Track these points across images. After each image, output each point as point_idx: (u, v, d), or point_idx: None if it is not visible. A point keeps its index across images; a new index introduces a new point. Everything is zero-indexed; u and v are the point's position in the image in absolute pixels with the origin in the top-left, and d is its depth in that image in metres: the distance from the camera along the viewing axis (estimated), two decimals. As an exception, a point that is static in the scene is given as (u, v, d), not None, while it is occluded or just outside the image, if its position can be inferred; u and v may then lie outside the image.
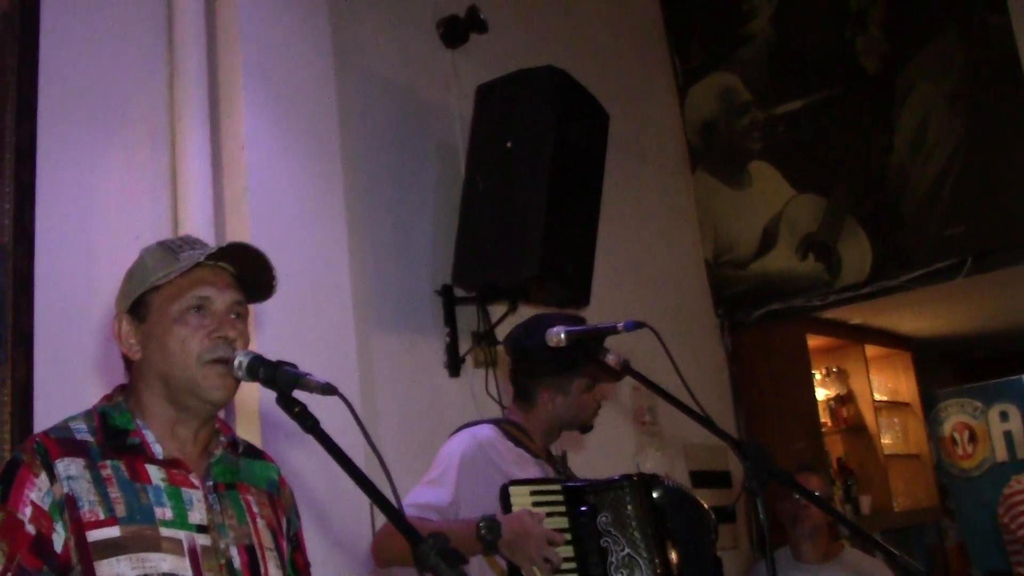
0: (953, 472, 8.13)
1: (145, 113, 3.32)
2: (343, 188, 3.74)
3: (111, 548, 1.77)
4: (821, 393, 6.89)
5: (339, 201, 3.70)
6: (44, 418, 2.56)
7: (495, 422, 3.15)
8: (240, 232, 3.26)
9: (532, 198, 4.13)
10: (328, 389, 1.76)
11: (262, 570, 1.94)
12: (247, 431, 2.99)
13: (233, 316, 1.97)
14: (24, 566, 1.74)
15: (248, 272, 2.02)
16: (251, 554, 1.93)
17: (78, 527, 1.77)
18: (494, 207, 4.22)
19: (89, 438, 1.88)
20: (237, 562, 1.90)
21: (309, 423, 1.77)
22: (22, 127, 2.89)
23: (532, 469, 2.97)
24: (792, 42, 6.43)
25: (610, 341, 2.88)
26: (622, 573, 2.74)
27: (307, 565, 2.17)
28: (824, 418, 6.73)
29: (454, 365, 4.34)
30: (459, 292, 4.41)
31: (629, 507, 2.82)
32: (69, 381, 2.84)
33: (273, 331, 3.11)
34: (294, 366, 1.84)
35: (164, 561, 1.80)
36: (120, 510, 1.80)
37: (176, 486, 1.89)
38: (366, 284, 3.97)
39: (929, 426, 7.89)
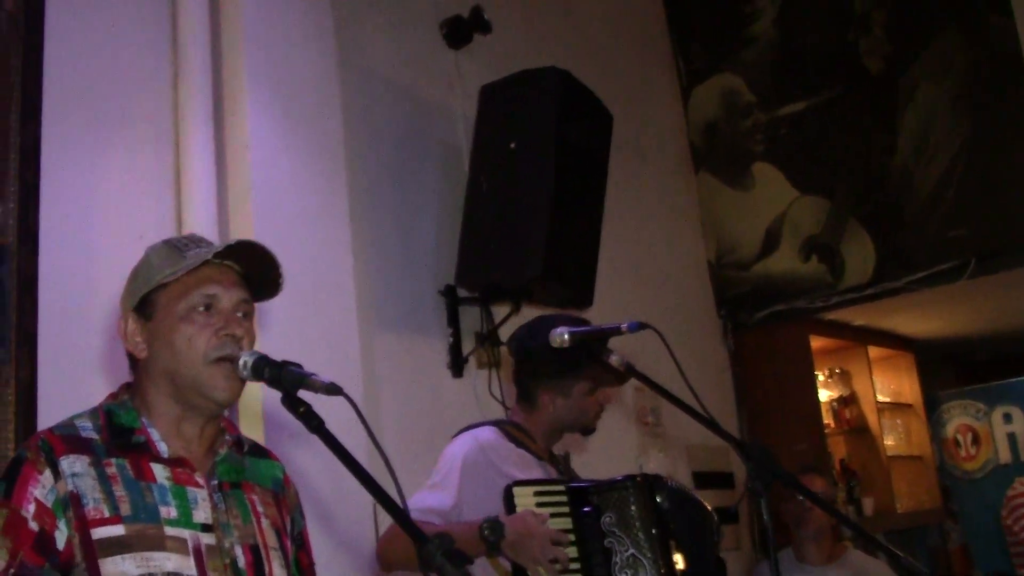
0: (956, 474, 8.12)
1: (149, 113, 3.32)
2: (347, 188, 3.74)
3: (115, 546, 1.77)
4: (824, 394, 6.89)
5: (343, 201, 3.70)
6: (48, 417, 2.56)
7: (497, 423, 3.14)
8: (244, 232, 3.26)
9: (535, 199, 4.13)
10: (333, 389, 1.76)
11: (266, 569, 1.94)
12: (251, 431, 2.98)
13: (240, 315, 1.97)
14: (26, 563, 1.74)
15: (254, 270, 2.02)
16: (255, 553, 1.93)
17: (82, 524, 1.77)
18: (497, 207, 4.22)
19: (94, 436, 1.88)
20: (242, 561, 1.90)
21: (314, 423, 1.77)
22: (26, 127, 2.89)
23: (534, 470, 2.97)
24: (795, 43, 6.43)
25: (613, 342, 2.89)
26: (626, 573, 2.74)
27: (311, 564, 2.17)
28: (827, 419, 6.74)
29: (457, 365, 4.34)
30: (462, 292, 4.41)
31: (633, 508, 2.81)
32: (73, 380, 2.84)
33: (276, 331, 3.11)
34: (299, 366, 1.84)
35: (168, 560, 1.79)
36: (125, 508, 1.80)
37: (181, 485, 1.89)
38: (369, 284, 3.97)
39: (932, 428, 7.88)
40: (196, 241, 2.02)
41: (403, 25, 4.60)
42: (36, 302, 2.80)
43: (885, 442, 7.05)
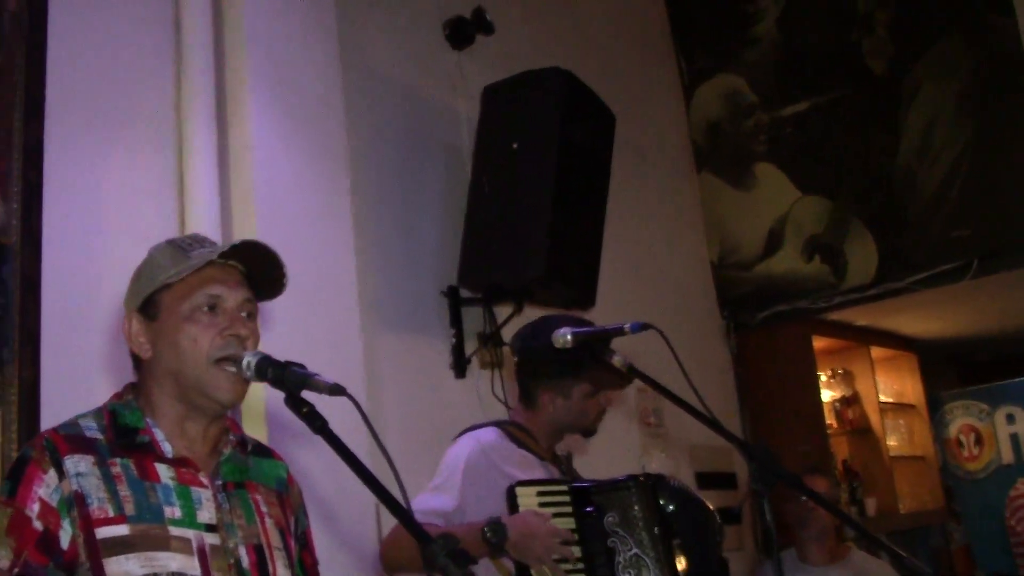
0: (959, 474, 8.12)
1: (152, 113, 3.32)
2: (349, 188, 3.74)
3: (120, 546, 1.77)
4: (826, 395, 6.89)
5: (345, 201, 3.70)
6: (51, 417, 2.56)
7: (499, 424, 3.14)
8: (246, 232, 3.26)
9: (538, 199, 4.13)
10: (337, 390, 1.76)
11: (270, 569, 1.94)
12: (254, 431, 2.97)
13: (244, 315, 1.97)
14: (31, 562, 1.74)
15: (258, 270, 2.02)
16: (259, 553, 1.93)
17: (87, 524, 1.77)
18: (500, 208, 4.22)
19: (99, 436, 1.88)
20: (245, 561, 1.90)
21: (318, 424, 1.77)
22: (29, 127, 2.88)
23: (536, 471, 2.97)
24: (798, 44, 6.43)
25: (616, 343, 2.89)
26: (630, 573, 2.74)
27: (315, 564, 2.17)
28: (829, 420, 6.74)
29: (460, 366, 4.34)
30: (465, 293, 4.41)
31: (636, 507, 2.82)
32: (76, 380, 2.84)
33: (279, 331, 3.11)
34: (302, 366, 1.84)
35: (173, 560, 1.80)
36: (129, 508, 1.80)
37: (185, 485, 1.89)
38: (372, 285, 3.97)
39: (935, 428, 7.89)
40: (200, 241, 2.02)
41: (406, 26, 4.60)
42: (39, 302, 2.80)
43: (888, 442, 7.05)
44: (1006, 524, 6.47)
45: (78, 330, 2.92)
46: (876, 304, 6.13)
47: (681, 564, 2.79)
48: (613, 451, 4.68)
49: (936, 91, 5.87)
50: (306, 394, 1.81)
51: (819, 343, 6.54)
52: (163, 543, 1.80)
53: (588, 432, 3.17)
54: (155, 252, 2.01)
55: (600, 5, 6.12)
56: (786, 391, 6.33)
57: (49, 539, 1.76)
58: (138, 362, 1.99)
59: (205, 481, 1.92)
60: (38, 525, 1.76)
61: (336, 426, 1.78)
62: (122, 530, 1.78)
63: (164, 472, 1.89)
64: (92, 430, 1.89)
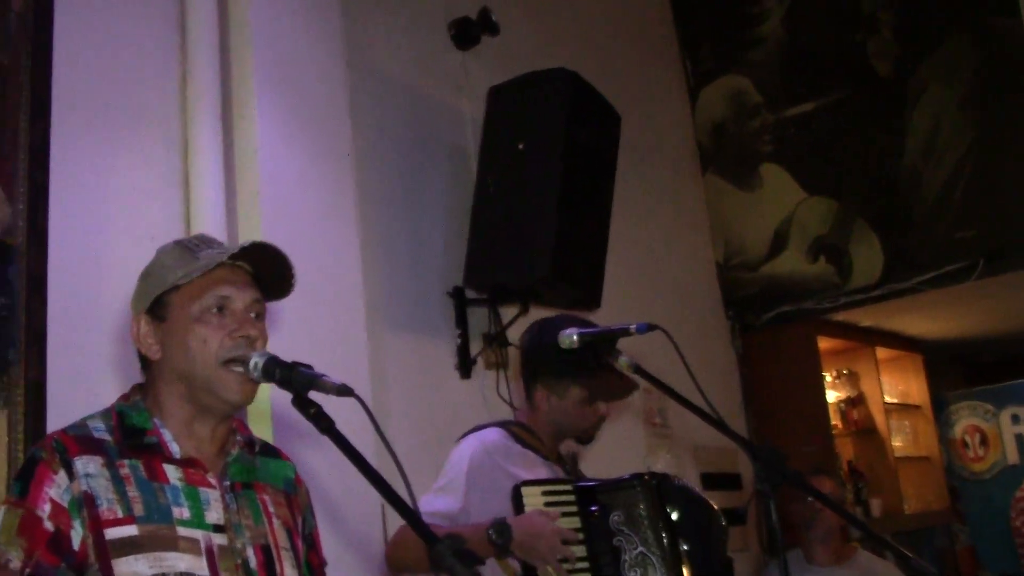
0: (964, 475, 8.11)
1: (157, 113, 3.32)
2: (355, 189, 3.75)
3: (128, 547, 1.77)
4: (831, 395, 6.88)
5: (351, 202, 3.70)
6: (57, 417, 2.56)
7: (503, 425, 3.14)
8: (252, 232, 3.26)
9: (543, 200, 4.13)
10: (344, 390, 1.76)
11: (278, 570, 1.94)
12: (259, 431, 2.97)
13: (252, 315, 1.97)
14: (42, 563, 1.74)
15: (267, 271, 2.02)
16: (267, 554, 1.93)
17: (96, 525, 1.77)
18: (505, 209, 4.22)
19: (107, 437, 1.89)
20: (253, 562, 1.90)
21: (325, 424, 1.77)
22: (35, 127, 2.88)
23: (540, 470, 2.97)
24: (803, 44, 6.43)
25: (621, 343, 2.88)
26: (636, 572, 2.74)
27: (322, 564, 2.17)
28: (834, 420, 6.73)
29: (465, 367, 4.34)
30: (470, 294, 4.41)
31: (641, 506, 2.81)
32: (82, 380, 2.84)
33: (285, 332, 3.11)
34: (309, 367, 1.84)
35: (181, 560, 1.80)
36: (138, 509, 1.81)
37: (193, 486, 1.89)
38: (378, 285, 3.97)
39: (940, 429, 7.88)
40: (207, 242, 2.02)
41: (411, 26, 4.60)
42: (45, 302, 2.79)
43: (893, 443, 7.04)
44: (1011, 525, 6.45)
45: (84, 330, 2.92)
46: (881, 305, 6.13)
47: (686, 562, 2.79)
48: (618, 451, 4.68)
49: (941, 92, 5.87)
50: (312, 395, 1.81)
51: (824, 344, 6.54)
52: (171, 544, 1.80)
53: (583, 439, 3.14)
54: (162, 253, 2.01)
55: (606, 6, 6.12)
56: (791, 392, 6.33)
57: (60, 539, 1.76)
58: (146, 363, 1.99)
59: (213, 482, 1.93)
60: (49, 526, 1.76)
61: (342, 427, 1.78)
62: (131, 531, 1.78)
63: (172, 473, 1.89)
64: (100, 431, 1.89)
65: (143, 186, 3.21)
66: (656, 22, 6.77)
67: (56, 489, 1.79)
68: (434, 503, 2.86)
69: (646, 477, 2.89)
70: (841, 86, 6.22)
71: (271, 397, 3.02)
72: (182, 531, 1.83)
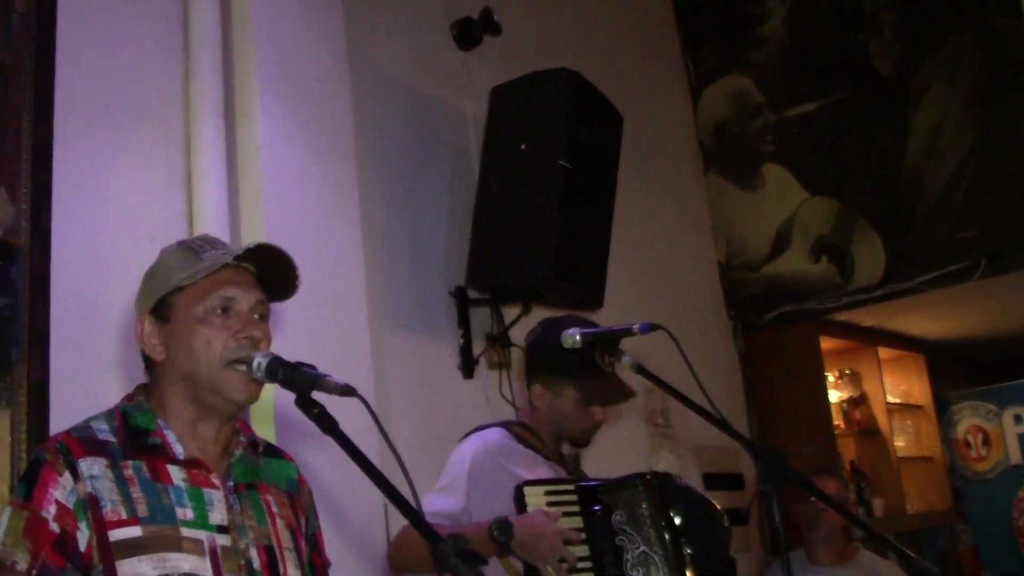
0: (966, 475, 8.10)
1: (160, 113, 3.32)
2: (357, 189, 3.75)
3: (132, 548, 1.77)
4: (834, 395, 6.88)
5: (353, 202, 3.71)
6: (60, 418, 2.57)
7: (505, 425, 3.14)
8: (255, 233, 3.27)
9: (546, 200, 4.13)
10: (347, 391, 1.76)
11: (281, 570, 1.94)
12: (262, 432, 2.97)
13: (257, 317, 1.97)
14: (48, 564, 1.74)
15: (271, 272, 2.02)
16: (270, 554, 1.93)
17: (100, 526, 1.78)
18: (508, 209, 4.22)
19: (111, 438, 1.89)
20: (257, 562, 1.90)
21: (328, 425, 1.77)
22: (38, 127, 2.89)
23: (543, 470, 2.97)
24: (805, 44, 6.43)
25: (624, 343, 2.88)
26: (638, 571, 2.74)
27: (325, 565, 2.17)
28: (837, 420, 6.72)
29: (468, 367, 4.34)
30: (473, 294, 4.41)
31: (643, 505, 2.81)
32: (85, 381, 2.84)
33: (288, 332, 3.11)
34: (313, 367, 1.84)
35: (185, 561, 1.80)
36: (142, 510, 1.81)
37: (197, 487, 1.89)
38: (380, 285, 3.97)
39: (942, 429, 7.87)
40: (210, 242, 2.02)
41: (413, 26, 4.60)
42: (48, 303, 2.80)
43: (895, 443, 7.03)
44: (1014, 525, 6.46)
45: (87, 330, 2.92)
46: (883, 305, 6.12)
47: (688, 562, 2.79)
48: (620, 452, 4.68)
49: (943, 92, 5.86)
50: (316, 395, 1.81)
51: (826, 344, 6.54)
52: (175, 544, 1.81)
53: (578, 442, 3.14)
54: (166, 254, 2.01)
55: (608, 6, 6.13)
56: (793, 392, 6.33)
57: (66, 541, 1.76)
58: (150, 364, 1.99)
59: (217, 482, 1.93)
60: (55, 527, 1.76)
61: (345, 427, 1.78)
62: (135, 532, 1.79)
63: (176, 474, 1.89)
64: (104, 432, 1.89)
65: (146, 186, 3.21)
66: (658, 22, 6.77)
67: (61, 491, 1.79)
68: (436, 503, 2.86)
69: (648, 477, 2.89)
70: (843, 86, 6.22)
71: (274, 397, 3.03)
72: (186, 532, 1.83)
